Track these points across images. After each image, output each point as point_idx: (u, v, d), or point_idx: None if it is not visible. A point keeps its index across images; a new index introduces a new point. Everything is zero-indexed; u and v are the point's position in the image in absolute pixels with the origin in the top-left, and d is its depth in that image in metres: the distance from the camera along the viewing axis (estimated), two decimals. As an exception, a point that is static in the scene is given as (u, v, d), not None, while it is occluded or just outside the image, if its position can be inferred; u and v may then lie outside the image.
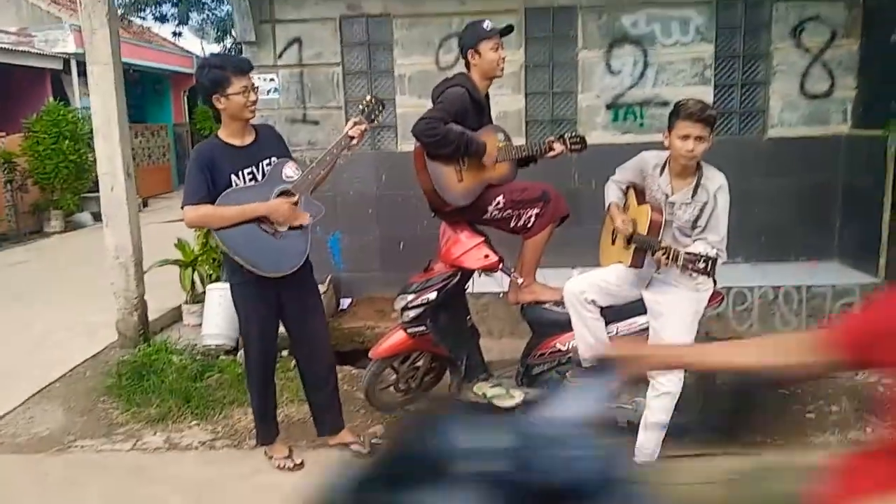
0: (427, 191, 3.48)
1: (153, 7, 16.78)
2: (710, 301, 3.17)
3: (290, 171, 3.14)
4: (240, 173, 3.05)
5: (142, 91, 17.65)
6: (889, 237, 4.84)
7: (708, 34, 5.44)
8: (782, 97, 5.47)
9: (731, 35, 5.46)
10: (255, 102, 3.03)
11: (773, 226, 5.49)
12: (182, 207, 3.01)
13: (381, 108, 3.34)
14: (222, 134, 3.10)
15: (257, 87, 3.08)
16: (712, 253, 2.79)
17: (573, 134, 3.68)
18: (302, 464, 3.37)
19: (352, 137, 3.19)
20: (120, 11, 17.70)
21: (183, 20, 16.93)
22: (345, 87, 5.67)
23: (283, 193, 3.08)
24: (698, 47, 5.47)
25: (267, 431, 3.40)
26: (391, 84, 5.65)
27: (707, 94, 5.47)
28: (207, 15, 17.03)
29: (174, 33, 17.76)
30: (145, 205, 13.55)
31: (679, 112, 2.88)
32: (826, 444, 3.44)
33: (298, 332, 3.31)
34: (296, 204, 3.07)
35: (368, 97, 3.34)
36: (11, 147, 10.47)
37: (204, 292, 5.41)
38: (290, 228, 3.07)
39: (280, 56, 5.65)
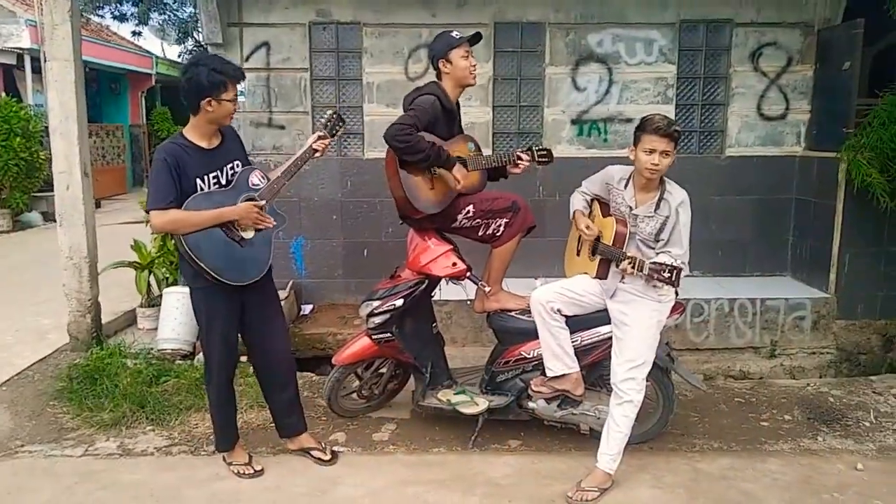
0: (398, 197, 3.48)
1: (113, 5, 16.47)
2: (671, 312, 3.24)
3: (255, 178, 3.11)
4: (205, 177, 2.98)
5: (98, 90, 17.20)
6: (839, 254, 5.03)
7: (671, 55, 5.60)
8: (740, 118, 5.66)
9: (693, 57, 5.63)
10: (235, 111, 3.04)
11: (730, 241, 5.66)
12: (147, 211, 2.92)
13: (341, 123, 3.37)
14: (190, 135, 3.01)
15: (243, 93, 3.04)
16: (677, 263, 2.86)
17: (540, 147, 3.73)
18: (262, 470, 3.29)
19: (315, 150, 3.21)
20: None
21: (143, 20, 16.61)
22: (312, 93, 5.64)
23: (248, 200, 3.04)
24: (661, 67, 5.62)
25: (226, 438, 3.32)
26: (359, 91, 5.65)
27: (669, 112, 5.60)
28: (168, 16, 16.77)
29: (134, 33, 17.43)
30: (98, 206, 13.18)
31: (645, 126, 2.95)
32: (780, 452, 3.52)
33: (258, 337, 3.25)
34: (261, 209, 3.04)
35: (329, 112, 3.37)
36: (-41, 143, 10.06)
37: (160, 295, 5.28)
38: (257, 232, 3.03)
39: (247, 59, 5.59)
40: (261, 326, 3.23)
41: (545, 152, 3.72)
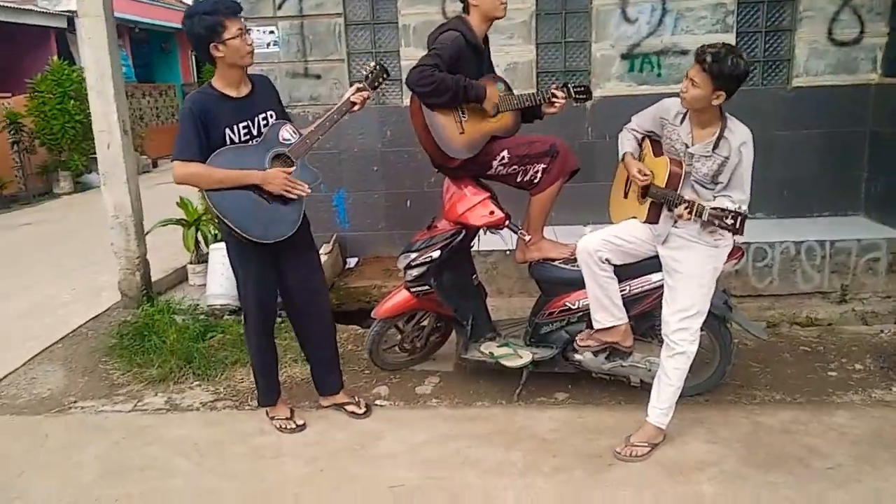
0: (427, 145, 3.31)
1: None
2: (729, 257, 3.00)
3: (287, 133, 2.98)
4: (235, 127, 2.88)
5: (149, 50, 17.43)
6: (919, 191, 4.61)
7: (730, -23, 5.13)
8: (808, 44, 5.17)
9: (756, -22, 5.15)
10: (252, 46, 2.86)
11: (797, 179, 5.25)
12: (171, 161, 2.85)
13: (384, 75, 3.19)
14: (217, 84, 2.89)
15: (249, 30, 2.89)
16: (741, 208, 2.59)
17: (576, 83, 3.48)
18: (304, 425, 3.28)
19: (353, 103, 3.05)
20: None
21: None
22: (347, 39, 5.45)
23: (277, 157, 2.93)
24: (720, -9, 5.17)
25: (268, 392, 3.31)
26: (395, 35, 5.42)
27: (729, 41, 5.14)
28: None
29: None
30: (155, 165, 13.48)
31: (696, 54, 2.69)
32: (849, 404, 3.28)
33: (295, 293, 3.19)
34: (291, 172, 2.91)
35: (373, 63, 3.19)
36: (17, 108, 10.35)
37: (208, 252, 5.31)
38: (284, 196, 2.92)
39: (279, 7, 5.42)
40: (297, 282, 3.16)
41: (582, 88, 3.46)
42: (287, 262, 3.09)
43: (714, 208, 2.60)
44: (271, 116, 2.98)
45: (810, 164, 5.24)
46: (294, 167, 2.94)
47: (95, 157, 11.24)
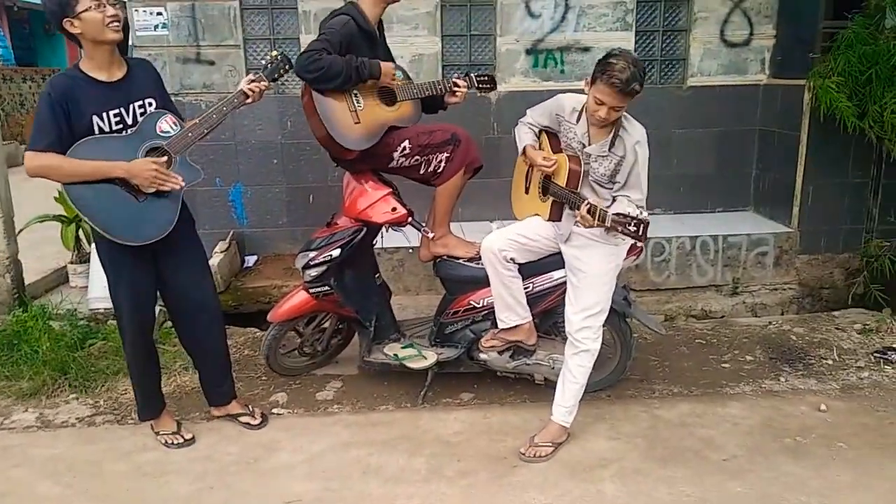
0: (321, 137, 3.15)
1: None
2: (628, 253, 3.01)
3: (166, 125, 2.69)
4: (104, 115, 2.57)
5: (30, 31, 16.14)
6: (802, 187, 4.86)
7: (630, -24, 5.23)
8: (702, 44, 5.34)
9: (654, -22, 5.27)
10: (116, 18, 2.53)
11: (692, 176, 5.43)
12: (25, 150, 2.53)
13: (286, 66, 2.96)
14: (85, 66, 2.59)
15: (116, 2, 2.58)
16: (643, 215, 2.55)
17: (480, 72, 3.41)
18: (193, 439, 3.04)
19: (247, 95, 2.80)
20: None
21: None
22: (243, 24, 5.15)
23: (153, 150, 2.64)
24: (620, -10, 5.25)
25: (150, 404, 3.05)
26: (295, 21, 5.18)
27: (628, 40, 5.28)
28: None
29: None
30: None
31: (604, 71, 2.56)
32: (741, 395, 3.39)
33: (180, 296, 2.93)
34: (168, 165, 2.65)
35: (274, 52, 2.96)
36: None
37: (90, 252, 4.91)
38: (157, 193, 2.65)
39: (169, -14, 5.06)
40: (179, 284, 2.91)
41: (486, 77, 3.41)
42: (167, 262, 2.83)
43: (617, 214, 2.57)
44: (149, 105, 2.69)
45: (705, 162, 5.43)
46: (171, 163, 2.68)
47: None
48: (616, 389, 3.42)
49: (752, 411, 3.21)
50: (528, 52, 5.32)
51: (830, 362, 3.70)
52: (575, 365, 2.89)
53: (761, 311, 4.84)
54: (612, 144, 2.73)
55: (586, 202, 2.63)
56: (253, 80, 2.82)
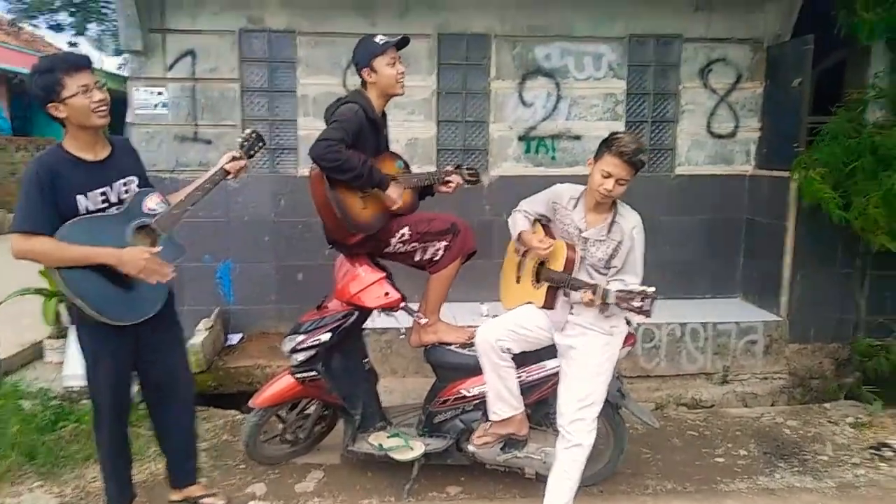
0: (327, 219, 3.14)
1: (48, 14, 15.69)
2: (623, 343, 2.97)
3: (153, 202, 2.66)
4: (88, 194, 2.53)
5: (30, 102, 16.37)
6: (791, 276, 4.89)
7: (619, 70, 5.42)
8: (690, 136, 5.50)
9: (642, 72, 5.46)
10: (102, 102, 2.50)
11: (680, 262, 5.47)
12: (11, 232, 2.45)
13: (260, 143, 3.00)
14: (69, 146, 2.54)
15: (104, 85, 2.56)
16: (650, 289, 2.55)
17: (468, 166, 3.50)
18: (161, 533, 2.89)
19: (227, 172, 2.81)
20: (11, 17, 16.48)
21: (80, 30, 15.86)
22: (243, 105, 5.26)
23: (141, 228, 2.62)
24: (610, 83, 5.43)
25: (120, 495, 2.89)
26: (293, 104, 5.29)
27: (619, 129, 5.43)
28: (106, 26, 16.05)
29: (70, 44, 16.62)
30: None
31: (611, 145, 2.67)
32: (736, 493, 3.28)
33: (156, 376, 2.84)
34: (154, 242, 2.62)
35: (248, 131, 3.00)
36: None
37: (68, 327, 4.80)
38: None
39: (170, 68, 5.18)
40: (157, 365, 2.82)
41: (473, 171, 3.49)
42: (147, 343, 2.74)
43: (620, 290, 2.56)
44: (132, 183, 2.68)
45: (693, 248, 5.49)
46: (159, 243, 2.65)
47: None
48: (608, 484, 3.31)
49: (749, 511, 3.10)
50: (520, 138, 5.45)
51: (825, 458, 3.61)
52: (568, 460, 2.80)
53: (751, 401, 4.77)
54: (609, 229, 2.76)
55: (588, 285, 2.62)
56: (234, 158, 2.83)
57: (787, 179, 4.92)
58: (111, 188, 2.60)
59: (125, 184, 2.65)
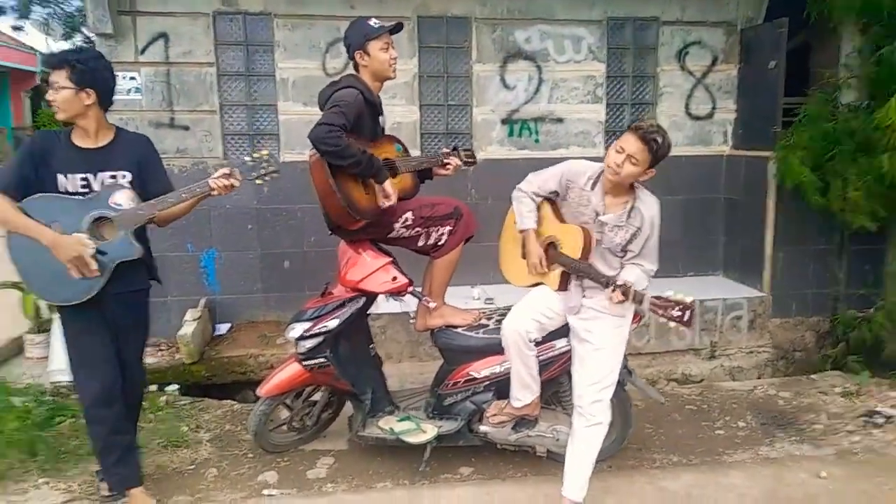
0: (329, 205, 3.09)
1: (-12, -3, 14.97)
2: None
3: (122, 198, 2.64)
4: (69, 176, 2.62)
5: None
6: (772, 253, 5.04)
7: (599, 53, 5.47)
8: (668, 117, 5.60)
9: (622, 55, 5.52)
10: (53, 102, 2.63)
11: (665, 242, 5.49)
12: None
13: (274, 172, 2.86)
14: (73, 131, 2.70)
15: (56, 85, 2.61)
16: (688, 299, 2.56)
17: (465, 147, 3.50)
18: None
19: (212, 189, 2.68)
20: (-51, 1, 15.68)
21: (24, 13, 15.17)
22: (220, 90, 5.12)
23: (100, 220, 2.61)
24: (590, 66, 5.48)
25: (125, 475, 2.81)
26: (272, 88, 5.19)
27: (599, 111, 5.51)
28: (53, 9, 15.40)
29: (14, 27, 15.88)
30: (-25, 218, 11.91)
31: (630, 126, 2.67)
32: (740, 463, 3.38)
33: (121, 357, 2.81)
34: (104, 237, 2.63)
35: (264, 152, 2.87)
36: None
37: (50, 320, 4.64)
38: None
39: (142, 52, 5.01)
40: (120, 340, 2.80)
41: (470, 152, 3.50)
42: (115, 324, 2.76)
43: (657, 297, 2.56)
44: (123, 177, 2.68)
45: (674, 228, 5.59)
46: (116, 239, 2.63)
47: None
48: (616, 459, 3.38)
49: (755, 480, 3.20)
50: (503, 121, 5.46)
51: (821, 427, 3.75)
52: (588, 439, 2.82)
53: (738, 374, 4.93)
54: (629, 215, 2.75)
55: (616, 282, 2.63)
56: (226, 175, 2.71)
57: (765, 159, 5.06)
58: (95, 176, 2.66)
59: (113, 176, 2.67)
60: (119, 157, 2.70)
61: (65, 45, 16.59)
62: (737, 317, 5.00)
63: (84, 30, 14.84)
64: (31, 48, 16.73)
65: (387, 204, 3.05)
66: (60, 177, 2.61)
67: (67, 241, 2.54)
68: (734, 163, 5.56)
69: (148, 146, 2.82)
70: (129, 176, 2.69)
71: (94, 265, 2.57)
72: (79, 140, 2.67)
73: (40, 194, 2.58)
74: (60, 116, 2.64)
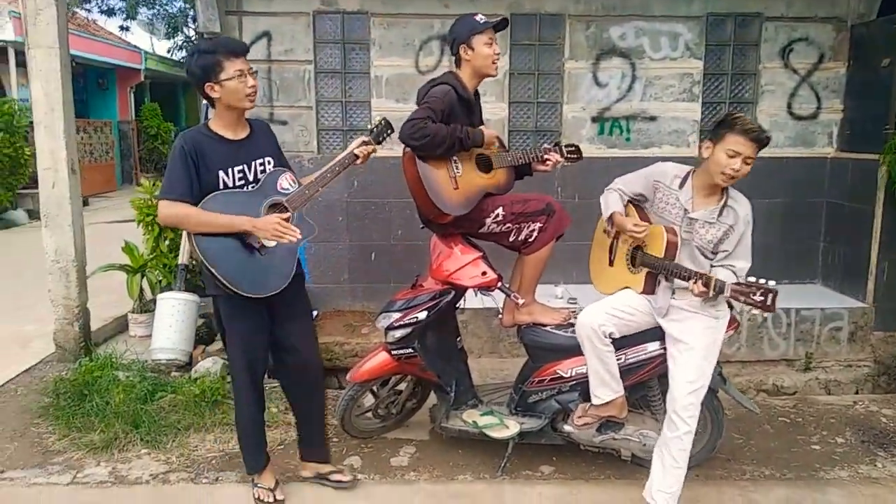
0: (420, 200, 3.16)
1: (99, -1, 15.98)
2: (727, 327, 2.93)
3: (285, 182, 2.82)
4: (229, 170, 2.70)
5: (84, 85, 16.76)
6: (877, 262, 4.76)
7: (697, 50, 5.30)
8: (769, 117, 5.36)
9: (721, 52, 5.33)
10: (254, 88, 2.68)
11: (760, 247, 5.29)
12: (157, 199, 2.64)
13: (389, 131, 3.10)
14: (213, 125, 2.74)
15: (256, 72, 2.72)
16: (770, 283, 2.51)
17: (568, 143, 3.44)
18: (283, 501, 2.97)
19: (357, 156, 2.94)
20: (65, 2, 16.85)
21: (131, 14, 16.14)
22: (317, 87, 5.29)
23: (274, 206, 2.75)
24: (687, 63, 5.32)
25: (255, 460, 2.99)
26: (367, 85, 5.31)
27: (695, 110, 5.34)
28: (158, 10, 16.30)
29: (121, 27, 16.96)
30: (86, 204, 12.75)
31: (734, 125, 2.61)
32: (839, 481, 3.22)
33: (286, 350, 2.94)
34: (287, 220, 2.72)
35: (379, 118, 3.10)
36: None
37: (153, 300, 4.93)
38: (276, 248, 2.73)
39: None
40: (285, 337, 2.93)
41: (574, 148, 3.44)
42: (278, 315, 2.87)
43: (737, 284, 2.51)
44: (269, 163, 2.82)
45: (772, 232, 5.36)
46: (290, 219, 2.75)
47: (22, 193, 10.64)
48: (705, 469, 3.28)
49: (854, 499, 3.04)
50: (593, 119, 5.38)
51: (927, 448, 3.53)
52: (677, 448, 2.76)
53: (835, 388, 4.67)
54: (720, 212, 2.70)
55: (697, 274, 2.57)
56: (364, 143, 2.94)
57: (875, 163, 4.77)
58: (249, 167, 2.74)
59: (262, 163, 2.78)
60: (262, 145, 2.84)
61: (167, 45, 17.63)
62: (836, 328, 4.74)
63: (185, 29, 15.68)
64: (136, 47, 17.78)
65: (491, 150, 3.20)
66: (221, 173, 2.67)
67: (265, 220, 2.65)
68: (839, 166, 5.27)
69: (271, 130, 2.98)
70: (273, 161, 2.84)
71: (296, 229, 2.70)
72: (226, 133, 2.73)
73: (213, 195, 2.64)
74: (252, 106, 2.70)
